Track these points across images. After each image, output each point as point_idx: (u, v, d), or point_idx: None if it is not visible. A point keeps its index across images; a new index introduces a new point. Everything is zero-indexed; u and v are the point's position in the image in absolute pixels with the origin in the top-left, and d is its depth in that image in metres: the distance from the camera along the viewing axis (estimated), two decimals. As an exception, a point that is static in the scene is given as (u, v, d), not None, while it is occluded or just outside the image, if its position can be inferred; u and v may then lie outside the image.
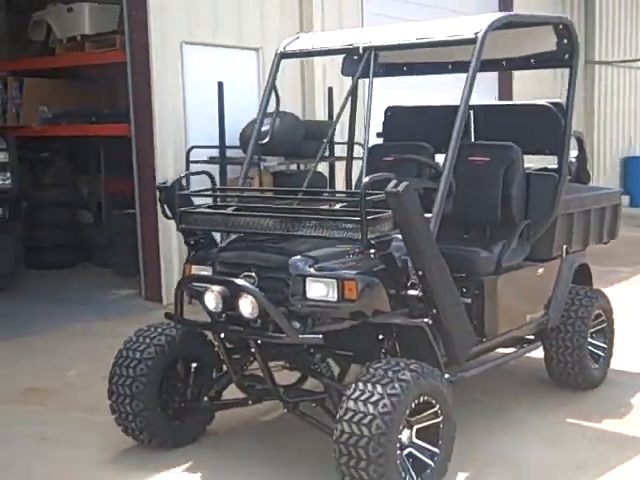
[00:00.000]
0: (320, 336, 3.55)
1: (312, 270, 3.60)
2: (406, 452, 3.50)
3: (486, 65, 4.84)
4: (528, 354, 4.98)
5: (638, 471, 3.99)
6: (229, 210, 3.95)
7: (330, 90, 8.48)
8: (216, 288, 3.65)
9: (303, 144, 7.88)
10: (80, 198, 9.83)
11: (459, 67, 4.92)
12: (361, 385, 3.39)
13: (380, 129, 5.57)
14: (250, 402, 4.06)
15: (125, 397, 3.97)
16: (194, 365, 4.11)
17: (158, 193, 4.16)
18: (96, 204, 9.95)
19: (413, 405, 3.44)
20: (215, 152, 7.56)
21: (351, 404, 3.35)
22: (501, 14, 4.20)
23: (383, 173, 3.65)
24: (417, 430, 3.54)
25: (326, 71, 8.78)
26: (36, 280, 8.44)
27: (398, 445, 3.39)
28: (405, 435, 3.48)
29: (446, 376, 3.93)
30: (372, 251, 3.56)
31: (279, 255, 3.71)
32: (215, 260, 3.89)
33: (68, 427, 4.48)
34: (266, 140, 4.72)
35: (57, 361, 5.60)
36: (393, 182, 3.49)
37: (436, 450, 3.59)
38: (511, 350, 4.76)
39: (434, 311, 3.74)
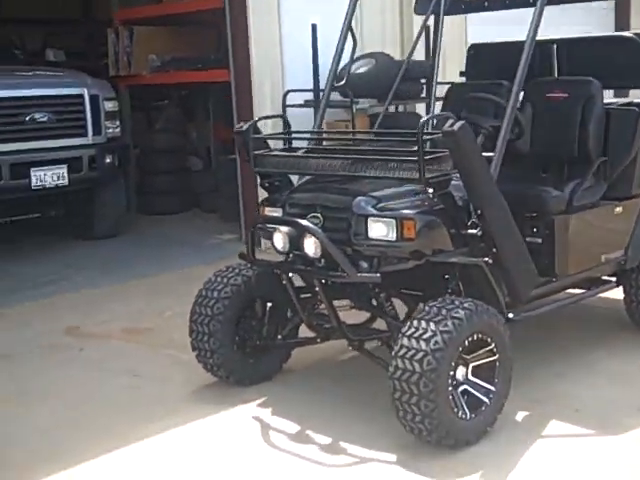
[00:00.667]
0: (378, 275, 3.67)
1: (374, 210, 3.71)
2: (461, 389, 3.58)
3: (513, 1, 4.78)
4: (615, 296, 4.96)
5: None
6: (299, 152, 4.10)
7: (428, 28, 8.39)
8: (283, 229, 3.81)
9: (400, 84, 7.86)
10: (190, 144, 10.18)
11: None
12: (415, 322, 3.50)
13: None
14: (319, 340, 4.23)
15: (203, 335, 4.21)
16: (269, 304, 4.30)
17: (235, 137, 4.33)
18: (205, 150, 10.28)
19: (466, 343, 3.51)
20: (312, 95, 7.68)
21: (405, 341, 3.47)
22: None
23: (443, 112, 3.70)
24: (473, 367, 3.63)
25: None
26: (147, 226, 8.88)
27: (452, 382, 3.48)
28: (460, 372, 3.56)
29: (510, 315, 4.02)
30: (430, 190, 3.64)
31: (343, 195, 3.84)
32: (286, 202, 4.05)
33: (158, 364, 4.78)
34: (342, 82, 4.82)
35: (156, 302, 5.95)
36: (450, 121, 3.54)
37: (492, 388, 3.66)
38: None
39: (494, 250, 3.79)
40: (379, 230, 3.68)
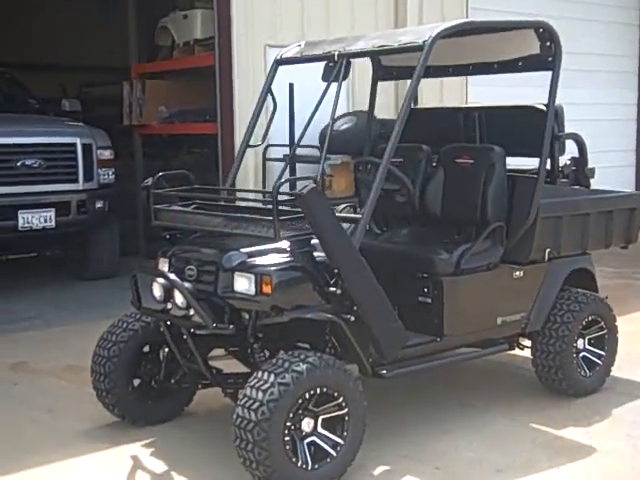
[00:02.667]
0: (231, 327, 3.88)
1: (238, 265, 3.93)
2: (308, 440, 3.74)
3: (476, 68, 4.99)
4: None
5: (559, 478, 3.99)
6: (190, 209, 4.37)
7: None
8: (159, 280, 4.07)
9: (377, 142, 8.09)
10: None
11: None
12: (259, 374, 3.69)
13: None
14: (199, 387, 4.45)
15: (99, 375, 4.47)
16: (166, 350, 4.54)
17: (141, 192, 4.63)
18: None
19: (307, 396, 3.67)
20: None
21: (247, 390, 3.66)
22: (452, 23, 4.30)
23: (302, 176, 3.92)
24: (323, 420, 3.79)
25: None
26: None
27: (292, 433, 3.64)
28: (307, 424, 3.72)
29: (383, 372, 4.17)
30: (287, 249, 3.85)
31: (217, 251, 4.07)
32: (172, 254, 4.31)
33: (77, 401, 5.00)
34: (259, 143, 5.10)
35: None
36: (305, 185, 3.76)
37: (340, 441, 3.80)
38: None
39: (354, 308, 3.96)
40: (242, 284, 3.89)
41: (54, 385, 5.40)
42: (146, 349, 4.56)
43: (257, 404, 3.58)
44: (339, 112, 6.79)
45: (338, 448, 3.80)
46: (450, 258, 4.47)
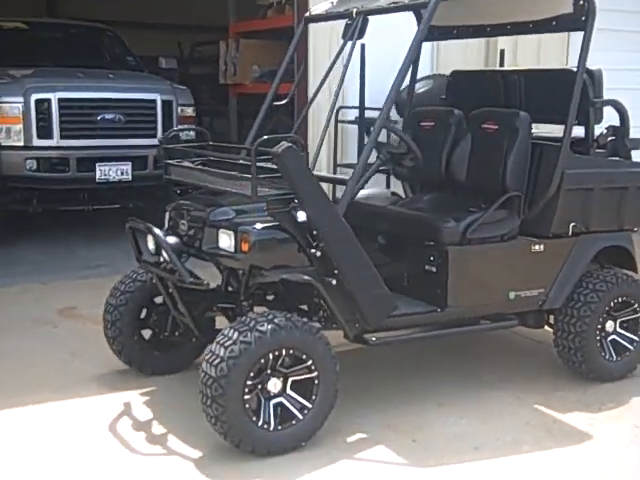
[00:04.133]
0: (206, 282, 3.89)
1: (222, 222, 3.93)
2: (275, 401, 3.73)
3: (513, 27, 4.75)
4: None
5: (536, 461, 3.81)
6: (194, 165, 4.39)
7: (502, 52, 8.35)
8: (150, 233, 4.14)
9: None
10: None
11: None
12: (226, 330, 3.69)
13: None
14: (193, 339, 4.51)
15: (107, 322, 4.62)
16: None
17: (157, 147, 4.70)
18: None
19: (271, 356, 3.65)
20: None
21: (212, 346, 3.68)
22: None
23: (278, 135, 3.86)
24: (292, 382, 3.76)
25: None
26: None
27: (252, 391, 3.64)
28: (274, 385, 3.71)
29: (373, 338, 4.09)
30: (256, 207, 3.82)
31: (206, 206, 4.09)
32: (173, 208, 4.36)
33: (101, 347, 4.96)
34: (283, 102, 5.06)
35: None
36: (282, 143, 3.70)
37: (308, 405, 3.76)
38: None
39: (335, 272, 3.88)
40: (224, 241, 3.90)
41: (89, 330, 5.57)
42: (158, 300, 4.65)
43: (218, 360, 3.60)
44: (422, 73, 6.62)
45: (305, 411, 3.77)
46: (456, 227, 4.30)
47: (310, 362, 3.74)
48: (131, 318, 4.60)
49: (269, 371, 3.70)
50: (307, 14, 5.05)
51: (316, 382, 3.77)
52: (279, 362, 3.70)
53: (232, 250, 3.85)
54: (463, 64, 8.50)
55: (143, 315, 4.67)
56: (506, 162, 4.46)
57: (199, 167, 4.24)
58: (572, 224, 4.56)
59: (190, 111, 8.55)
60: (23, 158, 7.62)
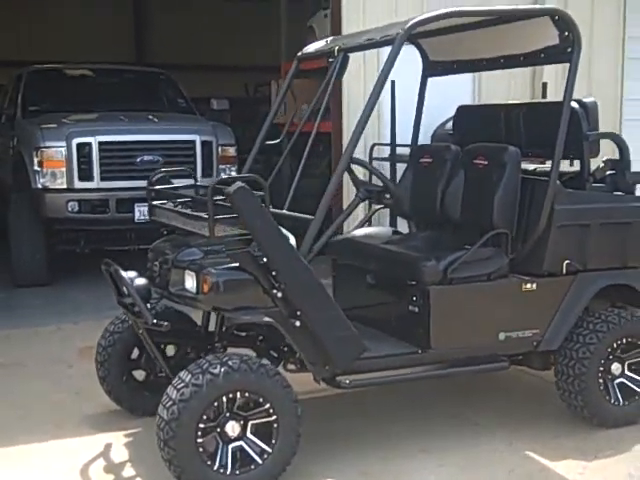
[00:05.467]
0: (166, 324, 3.86)
1: (187, 263, 3.92)
2: (235, 445, 3.66)
3: (506, 61, 4.63)
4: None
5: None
6: (172, 206, 4.41)
7: (544, 85, 8.15)
8: (116, 275, 4.16)
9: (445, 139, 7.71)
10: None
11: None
12: (183, 373, 3.66)
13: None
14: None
15: (97, 363, 4.66)
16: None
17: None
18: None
19: (225, 399, 3.59)
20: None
21: (168, 389, 3.65)
22: (429, 14, 3.99)
23: (238, 175, 3.84)
24: (252, 425, 3.69)
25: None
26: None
27: (206, 434, 3.58)
28: (232, 428, 3.64)
29: (347, 381, 3.97)
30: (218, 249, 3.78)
31: (176, 248, 4.09)
32: (151, 250, 4.39)
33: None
34: (275, 141, 5.06)
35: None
36: (236, 183, 3.68)
37: (268, 449, 3.68)
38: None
39: (298, 313, 3.80)
40: (188, 282, 3.88)
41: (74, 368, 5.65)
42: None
43: (170, 403, 3.57)
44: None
45: (265, 456, 3.68)
46: (436, 266, 4.16)
47: (268, 405, 3.66)
48: (119, 359, 4.61)
49: (227, 414, 3.64)
50: (299, 53, 5.05)
51: (275, 426, 3.68)
52: (235, 405, 3.64)
53: (194, 291, 3.83)
54: (506, 96, 8.35)
55: (135, 356, 4.68)
56: (493, 198, 4.31)
57: (170, 208, 4.26)
58: (566, 262, 4.35)
59: (232, 151, 8.63)
60: (65, 200, 7.84)
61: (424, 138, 7.37)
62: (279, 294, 3.77)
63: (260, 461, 3.67)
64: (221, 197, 3.75)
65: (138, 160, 8.03)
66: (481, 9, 4.13)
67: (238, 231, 3.78)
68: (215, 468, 3.61)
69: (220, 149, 8.49)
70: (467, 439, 4.35)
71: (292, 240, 3.94)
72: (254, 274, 3.78)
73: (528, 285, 4.32)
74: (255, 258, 3.77)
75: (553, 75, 8.19)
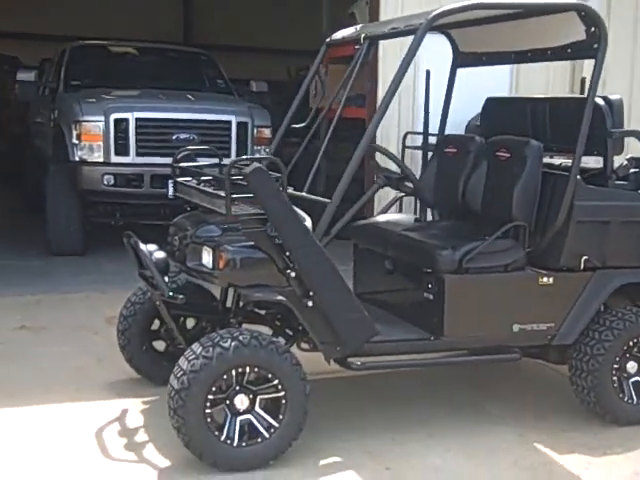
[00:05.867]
0: (181, 296, 3.95)
1: (203, 239, 4.00)
2: (243, 417, 3.75)
3: (534, 55, 4.62)
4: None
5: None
6: (193, 183, 4.49)
7: (583, 80, 8.05)
8: (136, 248, 4.26)
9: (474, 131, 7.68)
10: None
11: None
12: (195, 345, 3.75)
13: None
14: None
15: (118, 332, 4.79)
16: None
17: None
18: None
19: (234, 373, 3.67)
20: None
21: (180, 360, 3.74)
22: (451, 6, 4.01)
23: (256, 157, 3.92)
24: (261, 400, 3.77)
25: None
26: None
27: (210, 404, 3.66)
28: (241, 401, 3.73)
29: (358, 362, 4.04)
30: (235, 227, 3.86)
31: (196, 224, 4.18)
32: (172, 225, 4.48)
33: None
34: (301, 125, 5.11)
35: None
36: (253, 164, 3.75)
37: (275, 424, 3.76)
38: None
39: (311, 294, 3.86)
40: (205, 258, 3.96)
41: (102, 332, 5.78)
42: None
43: (180, 373, 3.66)
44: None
45: (272, 430, 3.76)
46: (452, 255, 4.20)
47: (276, 381, 3.74)
48: (140, 329, 4.73)
49: (237, 387, 3.73)
50: (328, 39, 5.09)
51: (283, 402, 3.76)
52: (245, 379, 3.73)
53: (210, 267, 3.92)
54: (544, 90, 8.30)
55: (156, 327, 4.79)
56: (513, 191, 4.33)
57: (192, 185, 4.34)
58: (584, 257, 4.35)
59: (267, 132, 8.70)
60: (101, 173, 8.00)
61: (459, 129, 7.40)
62: (292, 274, 3.84)
63: (267, 435, 3.76)
64: (239, 177, 3.82)
65: (174, 138, 8.14)
66: (505, 2, 4.12)
67: (255, 210, 3.86)
68: (222, 439, 3.70)
69: (256, 130, 8.57)
70: (478, 427, 4.39)
71: (308, 222, 4.01)
72: (269, 253, 3.86)
73: (545, 279, 4.34)
74: (270, 238, 3.84)
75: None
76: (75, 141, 8.10)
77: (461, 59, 5.28)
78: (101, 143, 8.03)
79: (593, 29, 4.16)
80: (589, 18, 4.15)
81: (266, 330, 4.33)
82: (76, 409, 4.47)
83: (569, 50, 4.37)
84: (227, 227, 4.01)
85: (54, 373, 5.02)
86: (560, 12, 4.18)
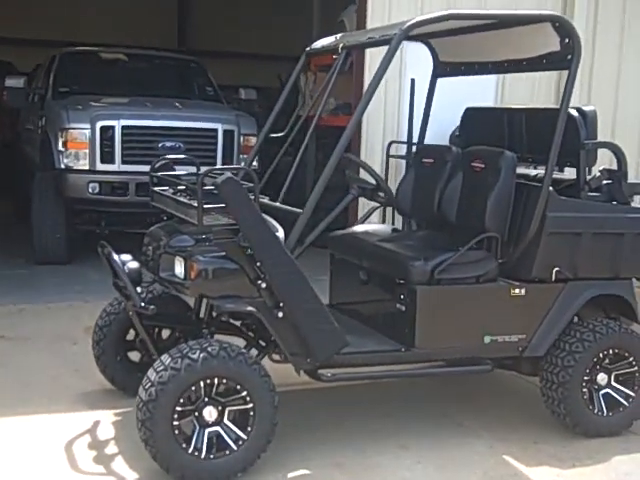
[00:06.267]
0: (152, 307, 3.95)
1: (179, 249, 4.01)
2: (211, 429, 3.75)
3: (510, 65, 4.64)
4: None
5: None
6: (169, 193, 4.50)
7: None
8: (108, 258, 4.27)
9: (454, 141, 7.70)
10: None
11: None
12: (164, 356, 3.75)
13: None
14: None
15: (93, 342, 4.79)
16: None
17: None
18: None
19: (202, 384, 3.67)
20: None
21: (149, 371, 3.74)
22: (425, 16, 4.02)
23: (229, 167, 3.93)
24: (230, 412, 3.77)
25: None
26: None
27: (177, 417, 3.65)
28: (209, 413, 3.73)
29: (328, 374, 4.04)
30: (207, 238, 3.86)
31: (169, 234, 4.19)
32: (147, 234, 4.49)
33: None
34: (280, 134, 5.12)
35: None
36: (225, 174, 3.76)
37: (243, 436, 3.76)
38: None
39: (281, 305, 3.86)
40: (177, 268, 3.97)
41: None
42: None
43: (149, 384, 3.66)
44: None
45: (240, 442, 3.76)
46: (424, 265, 4.21)
47: (245, 393, 3.74)
48: (115, 339, 4.73)
49: (206, 399, 3.73)
50: (308, 48, 5.11)
51: (251, 414, 3.76)
52: (214, 391, 3.73)
53: (182, 277, 3.92)
54: (529, 100, 8.32)
55: (131, 337, 4.80)
56: (486, 201, 4.34)
57: (167, 194, 4.35)
58: (556, 269, 4.37)
59: (254, 141, 8.68)
60: (86, 181, 7.99)
61: (445, 139, 7.39)
62: (263, 285, 3.84)
63: (235, 447, 3.75)
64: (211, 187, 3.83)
65: (160, 145, 8.14)
66: (479, 13, 4.15)
67: (226, 220, 3.87)
68: (190, 451, 3.69)
69: (242, 138, 8.58)
70: (449, 439, 4.40)
71: (280, 233, 4.02)
72: (240, 264, 3.86)
73: (517, 290, 4.35)
74: (242, 248, 3.85)
75: (578, 80, 8.11)
76: (61, 148, 8.10)
77: (441, 69, 5.30)
78: (87, 151, 8.03)
79: (567, 40, 4.17)
80: (563, 29, 4.16)
81: (239, 341, 4.35)
82: (48, 420, 4.47)
83: (544, 61, 4.38)
84: (200, 237, 4.02)
85: (29, 384, 5.02)
86: (534, 23, 4.19)
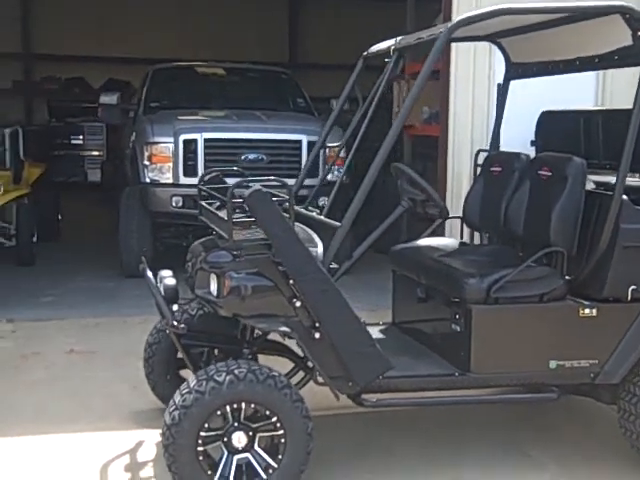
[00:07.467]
0: (183, 326, 3.76)
1: (214, 266, 3.81)
2: (241, 456, 3.52)
3: (583, 63, 4.26)
4: None
5: None
6: (212, 207, 4.31)
7: None
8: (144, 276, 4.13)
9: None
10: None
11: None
12: (191, 378, 3.55)
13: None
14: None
15: (144, 360, 4.67)
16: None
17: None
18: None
19: (229, 409, 3.45)
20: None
21: (175, 393, 3.55)
22: (472, 13, 3.68)
23: (248, 178, 3.74)
24: (261, 439, 3.54)
25: None
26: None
27: (202, 442, 3.45)
28: (238, 439, 3.51)
29: (373, 399, 3.76)
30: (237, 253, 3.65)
31: (208, 249, 4.00)
32: (189, 250, 4.31)
33: None
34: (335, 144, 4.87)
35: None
36: (253, 187, 3.54)
37: (273, 464, 3.51)
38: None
39: (317, 325, 3.60)
40: (212, 285, 3.77)
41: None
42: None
43: (173, 408, 3.47)
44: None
45: (270, 471, 3.52)
46: (479, 283, 3.85)
47: (275, 419, 3.50)
48: (165, 356, 4.59)
49: (235, 424, 3.51)
50: (365, 52, 4.85)
51: (282, 441, 3.51)
52: (242, 415, 3.50)
53: (216, 294, 3.72)
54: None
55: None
56: (552, 213, 3.95)
57: (208, 208, 4.17)
58: (632, 287, 3.91)
59: (341, 152, 8.47)
60: (170, 195, 7.97)
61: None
62: (298, 303, 3.59)
63: (264, 476, 3.52)
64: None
65: (242, 158, 8.03)
66: (535, 7, 3.76)
67: (260, 235, 3.65)
68: (216, 478, 3.48)
69: (327, 149, 8.36)
70: (512, 472, 4.01)
71: (318, 247, 3.76)
72: (274, 281, 3.63)
73: (587, 310, 3.93)
74: (275, 264, 3.62)
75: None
76: (146, 162, 8.12)
77: (513, 70, 4.91)
78: (170, 164, 8.01)
79: (639, 33, 3.75)
80: (634, 21, 3.73)
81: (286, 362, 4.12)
82: (91, 438, 4.37)
83: (616, 57, 3.96)
84: (238, 253, 3.81)
85: (85, 399, 4.95)
86: (600, 16, 3.78)
